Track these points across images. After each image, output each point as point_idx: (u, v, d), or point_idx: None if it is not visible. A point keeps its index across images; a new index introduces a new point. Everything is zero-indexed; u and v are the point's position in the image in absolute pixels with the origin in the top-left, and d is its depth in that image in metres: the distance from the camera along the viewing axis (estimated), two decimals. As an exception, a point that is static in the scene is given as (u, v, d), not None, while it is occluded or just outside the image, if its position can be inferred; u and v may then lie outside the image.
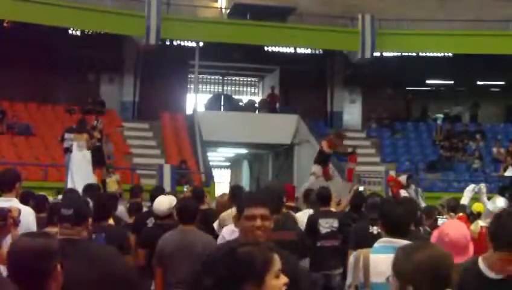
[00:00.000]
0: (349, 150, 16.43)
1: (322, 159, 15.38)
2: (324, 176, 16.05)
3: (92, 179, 13.78)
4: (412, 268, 2.73)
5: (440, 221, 7.34)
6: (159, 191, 9.46)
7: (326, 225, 8.22)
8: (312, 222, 8.23)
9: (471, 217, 8.26)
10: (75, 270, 3.38)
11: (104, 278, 3.84)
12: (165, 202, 7.21)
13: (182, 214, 6.16)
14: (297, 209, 9.19)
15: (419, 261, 2.74)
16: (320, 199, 8.62)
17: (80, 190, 10.74)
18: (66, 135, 14.53)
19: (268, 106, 26.48)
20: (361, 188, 10.25)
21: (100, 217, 6.06)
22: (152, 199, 9.06)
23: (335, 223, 8.26)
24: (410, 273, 2.73)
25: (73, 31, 24.13)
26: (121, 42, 24.86)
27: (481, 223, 7.02)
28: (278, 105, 26.73)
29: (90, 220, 4.15)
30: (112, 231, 6.13)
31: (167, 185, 17.40)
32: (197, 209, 6.29)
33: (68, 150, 14.55)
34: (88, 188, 9.27)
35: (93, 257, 3.93)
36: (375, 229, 6.91)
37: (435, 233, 4.28)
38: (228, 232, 5.93)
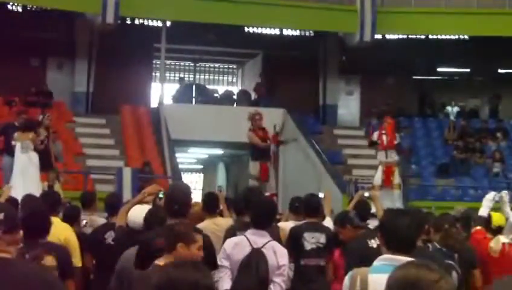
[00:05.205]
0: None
1: (258, 153, 15.70)
2: (261, 176, 16.23)
3: (40, 185, 13.80)
4: None
5: None
6: (115, 199, 9.41)
7: (312, 239, 7.98)
8: (295, 235, 7.99)
9: (491, 232, 8.26)
10: None
11: None
12: (142, 214, 7.07)
13: (148, 225, 6.12)
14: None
15: (390, 286, 2.80)
16: (307, 208, 8.37)
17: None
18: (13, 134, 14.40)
19: (251, 97, 26.51)
20: (366, 194, 10.09)
21: (38, 232, 6.03)
22: (108, 209, 9.01)
23: (322, 239, 8.02)
24: None
25: (14, 7, 24.03)
26: (73, 21, 24.77)
27: (503, 239, 6.96)
28: (257, 97, 26.73)
29: (20, 233, 4.00)
30: (53, 249, 5.95)
31: (127, 191, 17.36)
32: (165, 218, 6.19)
33: (6, 151, 14.54)
34: (45, 195, 9.22)
35: (23, 281, 3.71)
36: (374, 243, 6.89)
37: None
38: (231, 245, 6.17)
